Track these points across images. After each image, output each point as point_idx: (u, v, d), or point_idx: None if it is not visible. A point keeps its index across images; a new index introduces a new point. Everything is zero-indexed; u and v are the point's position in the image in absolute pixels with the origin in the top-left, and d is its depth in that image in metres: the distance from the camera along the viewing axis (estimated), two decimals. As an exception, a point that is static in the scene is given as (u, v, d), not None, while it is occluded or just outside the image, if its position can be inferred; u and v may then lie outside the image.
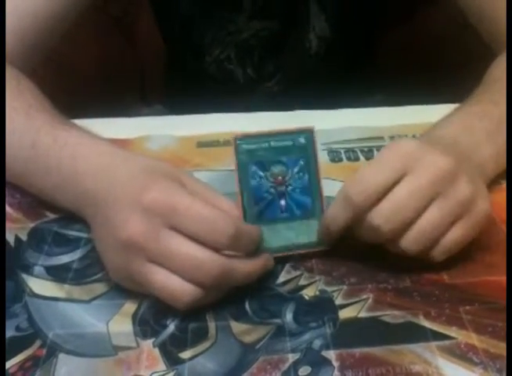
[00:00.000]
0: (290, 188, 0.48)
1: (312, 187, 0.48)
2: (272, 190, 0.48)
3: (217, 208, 0.43)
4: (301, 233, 0.48)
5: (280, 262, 0.49)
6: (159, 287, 0.42)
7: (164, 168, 0.46)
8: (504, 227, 0.51)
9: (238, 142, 0.48)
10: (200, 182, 0.48)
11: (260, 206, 0.48)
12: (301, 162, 0.48)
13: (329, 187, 0.48)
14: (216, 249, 0.42)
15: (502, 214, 0.52)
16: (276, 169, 0.48)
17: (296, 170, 0.48)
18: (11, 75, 0.58)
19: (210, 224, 0.42)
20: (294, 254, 0.49)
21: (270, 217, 0.48)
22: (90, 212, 0.48)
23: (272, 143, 0.48)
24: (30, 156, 0.52)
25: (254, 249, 0.45)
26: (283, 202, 0.48)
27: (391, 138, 0.64)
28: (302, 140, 0.49)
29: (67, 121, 0.55)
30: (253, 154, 0.48)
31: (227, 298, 0.45)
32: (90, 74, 0.99)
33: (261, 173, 0.48)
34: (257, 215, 0.48)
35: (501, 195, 0.54)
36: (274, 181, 0.48)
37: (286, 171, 0.48)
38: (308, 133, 0.49)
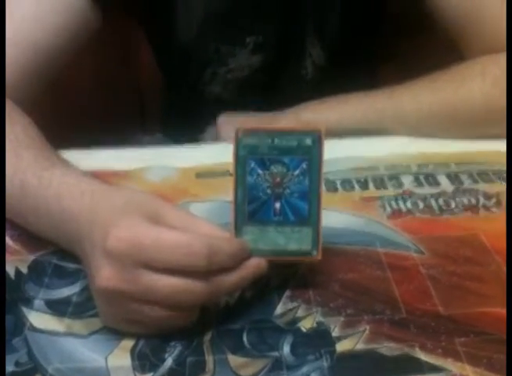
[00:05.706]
0: (287, 191, 0.46)
1: (311, 193, 0.46)
2: (269, 191, 0.46)
3: (189, 233, 0.42)
4: (291, 240, 0.46)
5: (277, 291, 0.49)
6: (154, 322, 0.43)
7: (139, 203, 0.44)
8: (498, 258, 0.51)
9: (240, 135, 0.46)
10: (181, 210, 0.46)
11: (253, 205, 0.46)
12: (304, 165, 0.46)
13: (325, 217, 0.47)
14: (197, 273, 0.41)
15: (497, 244, 0.52)
16: (276, 169, 0.46)
17: (297, 173, 0.46)
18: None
19: (182, 249, 0.41)
20: (282, 261, 0.47)
21: (262, 218, 0.46)
22: (79, 253, 0.47)
23: (276, 141, 0.46)
24: (20, 196, 0.52)
25: (240, 260, 0.44)
26: (277, 205, 0.46)
27: (387, 168, 0.65)
28: (308, 141, 0.46)
29: (54, 156, 0.54)
30: (254, 150, 0.46)
31: (225, 330, 0.46)
32: (89, 101, 1.00)
33: (260, 171, 0.46)
34: (249, 214, 0.46)
35: (494, 225, 0.55)
36: (272, 181, 0.46)
37: (286, 173, 0.46)
38: (316, 135, 0.46)
